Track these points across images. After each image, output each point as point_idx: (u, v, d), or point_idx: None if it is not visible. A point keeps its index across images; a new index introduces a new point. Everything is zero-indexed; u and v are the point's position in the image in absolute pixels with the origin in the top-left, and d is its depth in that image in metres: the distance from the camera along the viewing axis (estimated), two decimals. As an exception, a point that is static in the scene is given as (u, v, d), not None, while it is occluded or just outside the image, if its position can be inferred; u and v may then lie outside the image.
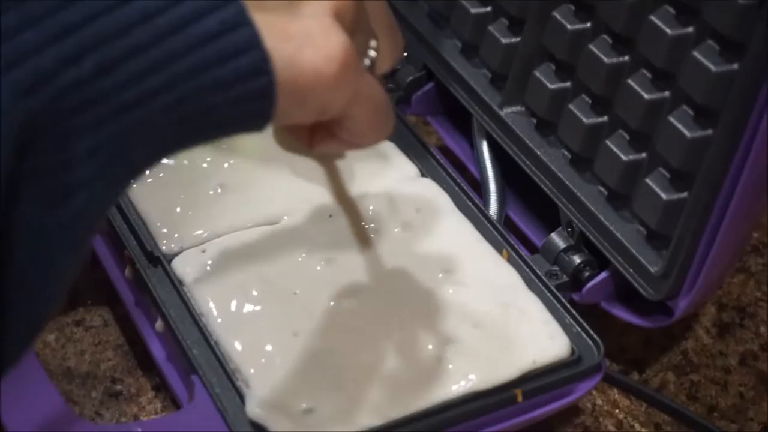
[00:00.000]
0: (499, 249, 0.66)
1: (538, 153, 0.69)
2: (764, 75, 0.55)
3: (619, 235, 0.64)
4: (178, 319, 0.61)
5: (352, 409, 0.56)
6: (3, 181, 0.36)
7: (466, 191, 0.69)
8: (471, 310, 0.61)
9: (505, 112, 0.71)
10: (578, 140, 0.66)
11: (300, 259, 0.64)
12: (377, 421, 0.56)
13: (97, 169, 0.38)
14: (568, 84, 0.68)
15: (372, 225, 0.66)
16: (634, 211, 0.64)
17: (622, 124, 0.64)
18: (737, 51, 0.57)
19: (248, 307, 0.61)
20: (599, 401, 0.66)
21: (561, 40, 0.67)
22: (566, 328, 0.62)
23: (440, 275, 0.63)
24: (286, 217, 0.66)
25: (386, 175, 0.69)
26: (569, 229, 0.67)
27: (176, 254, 0.64)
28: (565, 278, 0.66)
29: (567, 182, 0.67)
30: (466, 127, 0.76)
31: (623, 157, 0.64)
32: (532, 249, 0.69)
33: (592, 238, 0.65)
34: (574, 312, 0.63)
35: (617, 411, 0.66)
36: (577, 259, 0.66)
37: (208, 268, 0.63)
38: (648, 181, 0.62)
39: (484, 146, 0.74)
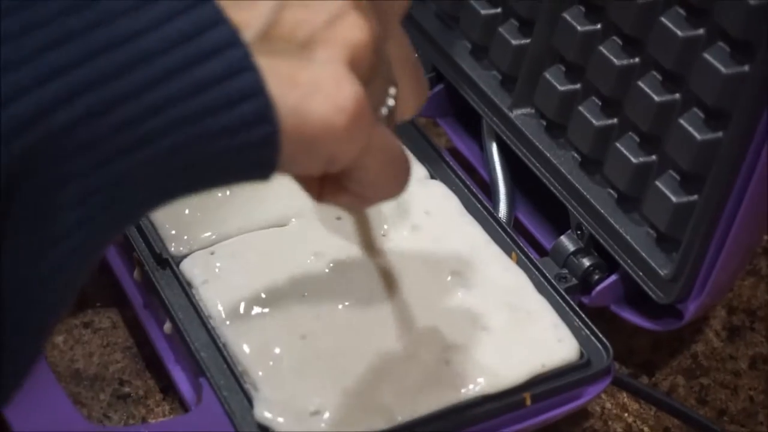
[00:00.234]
0: (508, 252, 0.66)
1: (548, 155, 0.69)
2: (775, 76, 0.55)
3: (628, 237, 0.64)
4: (187, 322, 0.61)
5: (360, 412, 0.56)
6: None
7: (476, 193, 0.69)
8: (480, 313, 0.61)
9: (515, 113, 0.71)
10: (588, 142, 0.66)
11: (309, 261, 0.64)
12: (385, 424, 0.56)
13: (84, 218, 0.36)
14: (578, 86, 0.67)
15: (384, 227, 0.66)
16: (643, 213, 0.64)
17: (632, 126, 0.64)
18: (748, 53, 0.56)
19: (256, 310, 0.61)
20: (608, 405, 0.66)
21: (571, 42, 0.66)
22: (575, 332, 0.61)
23: (449, 278, 0.63)
24: (294, 220, 0.66)
25: (395, 177, 0.69)
26: (579, 232, 0.67)
27: (185, 256, 0.64)
28: (574, 281, 0.66)
29: (576, 185, 0.67)
30: (475, 128, 0.76)
31: (633, 160, 0.63)
32: (542, 252, 0.69)
33: (601, 240, 0.65)
34: (583, 315, 0.62)
35: (626, 414, 0.66)
36: (586, 262, 0.66)
37: (217, 270, 0.63)
38: (658, 183, 0.62)
39: (494, 148, 0.74)
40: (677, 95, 0.61)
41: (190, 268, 0.63)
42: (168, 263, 0.63)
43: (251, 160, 0.39)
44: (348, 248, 0.64)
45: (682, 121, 0.60)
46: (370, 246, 0.61)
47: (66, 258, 0.36)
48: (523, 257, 0.66)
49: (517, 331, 0.61)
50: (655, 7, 0.60)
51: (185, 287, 0.62)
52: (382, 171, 0.44)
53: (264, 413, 0.56)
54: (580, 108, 0.67)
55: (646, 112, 0.62)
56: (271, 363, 0.58)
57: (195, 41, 0.37)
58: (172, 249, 0.64)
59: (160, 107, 0.36)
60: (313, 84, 0.39)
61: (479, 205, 0.69)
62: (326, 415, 0.56)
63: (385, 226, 0.66)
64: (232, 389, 0.58)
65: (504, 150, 0.73)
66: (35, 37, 0.35)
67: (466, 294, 0.62)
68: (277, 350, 0.59)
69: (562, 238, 0.68)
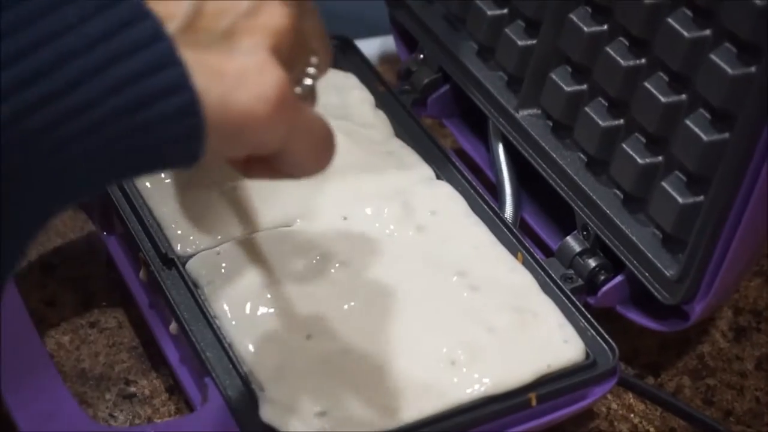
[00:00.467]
0: (514, 252, 0.66)
1: (554, 156, 0.69)
2: (782, 78, 0.55)
3: (634, 238, 0.64)
4: (192, 322, 0.61)
5: (365, 413, 0.56)
6: None
7: (482, 194, 0.69)
8: (485, 313, 0.61)
9: (521, 114, 0.71)
10: (594, 143, 0.66)
11: (314, 261, 0.63)
12: (391, 424, 0.56)
13: (11, 213, 0.37)
14: (584, 86, 0.67)
15: (389, 227, 0.66)
16: (649, 214, 0.64)
17: (638, 127, 0.64)
18: (755, 54, 0.56)
19: (262, 310, 0.61)
20: (614, 405, 0.66)
21: (577, 43, 0.66)
22: (581, 332, 0.61)
23: (455, 278, 0.63)
24: (300, 220, 0.66)
25: (402, 177, 0.69)
26: (585, 233, 0.67)
27: (191, 256, 0.64)
28: (580, 282, 0.66)
29: (583, 185, 0.67)
30: (481, 129, 0.76)
31: (639, 161, 0.63)
32: (548, 252, 0.69)
33: (607, 241, 0.65)
34: (589, 316, 0.62)
35: (632, 415, 0.66)
36: (592, 263, 0.66)
37: (223, 270, 0.63)
38: (664, 184, 0.62)
39: (500, 149, 0.74)
40: (684, 96, 0.61)
41: (195, 268, 0.63)
42: (174, 263, 0.63)
43: (178, 152, 0.40)
44: (354, 249, 0.64)
45: (688, 122, 0.60)
46: (247, 219, 0.63)
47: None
48: (529, 258, 0.66)
49: (522, 331, 0.61)
50: (662, 8, 0.60)
51: (191, 287, 0.62)
52: (308, 152, 0.46)
53: (269, 413, 0.56)
54: (587, 109, 0.67)
55: (652, 113, 0.62)
56: (276, 363, 0.58)
57: (120, 37, 0.38)
58: (178, 249, 0.64)
59: (86, 106, 0.38)
60: (237, 74, 0.41)
61: (485, 206, 0.69)
62: (331, 415, 0.56)
63: (391, 226, 0.66)
64: (238, 389, 0.58)
65: (510, 150, 0.73)
66: None
67: (472, 294, 0.62)
68: (283, 350, 0.59)
69: (568, 238, 0.67)
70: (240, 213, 0.66)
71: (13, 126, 0.36)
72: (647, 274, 0.63)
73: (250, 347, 0.59)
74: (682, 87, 0.61)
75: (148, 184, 0.67)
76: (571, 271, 0.66)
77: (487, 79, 0.74)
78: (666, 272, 0.62)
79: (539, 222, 0.72)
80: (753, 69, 0.57)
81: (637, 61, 0.63)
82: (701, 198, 0.60)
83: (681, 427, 0.65)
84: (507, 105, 0.72)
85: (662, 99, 0.61)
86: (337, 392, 0.57)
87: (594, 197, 0.66)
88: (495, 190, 0.73)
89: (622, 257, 0.64)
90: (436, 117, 0.79)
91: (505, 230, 0.67)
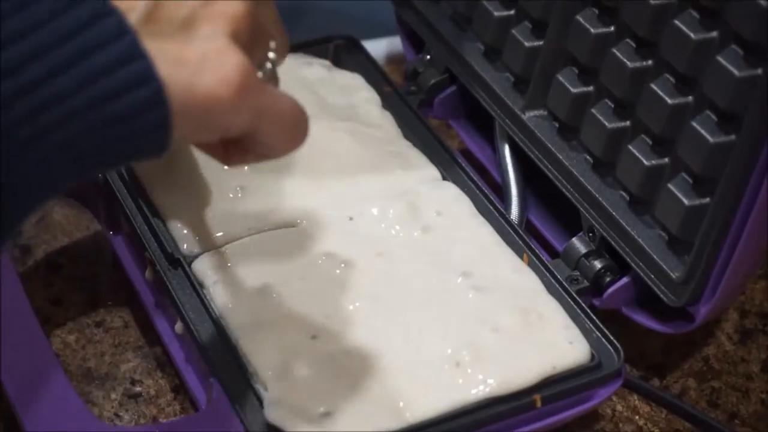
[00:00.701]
0: (519, 253, 0.66)
1: (560, 157, 0.69)
2: (788, 80, 0.55)
3: (640, 240, 0.64)
4: (198, 321, 0.61)
5: (370, 413, 0.56)
6: None
7: (488, 195, 0.69)
8: (490, 314, 0.61)
9: (528, 115, 0.71)
10: (600, 145, 0.66)
11: (320, 261, 0.64)
12: (395, 425, 0.56)
13: None
14: (590, 88, 0.67)
15: (395, 227, 0.66)
16: (655, 216, 0.64)
17: (644, 128, 0.64)
18: (761, 56, 0.56)
19: (267, 310, 0.61)
20: (619, 407, 0.66)
21: (584, 44, 0.66)
22: (586, 334, 0.61)
23: (460, 279, 0.63)
24: (306, 220, 0.66)
25: (408, 177, 0.69)
26: (590, 234, 0.67)
27: (196, 256, 0.64)
28: (585, 283, 0.66)
29: (589, 187, 0.67)
30: (488, 130, 0.76)
31: (645, 162, 0.63)
32: (553, 254, 0.69)
33: (613, 243, 0.65)
34: (594, 317, 0.62)
35: (637, 417, 0.65)
36: (598, 265, 0.66)
37: (228, 270, 0.63)
38: (670, 186, 0.62)
39: (506, 150, 0.74)
40: (690, 98, 0.61)
41: (201, 268, 0.63)
42: (180, 263, 0.63)
43: (146, 143, 0.42)
44: (358, 249, 0.64)
45: (694, 124, 0.60)
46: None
47: None
48: (535, 259, 0.66)
49: (527, 332, 0.61)
50: (669, 10, 0.60)
51: (196, 287, 0.62)
52: (279, 130, 0.47)
53: (274, 414, 0.56)
54: (593, 110, 0.66)
55: (658, 114, 0.62)
56: (281, 363, 0.58)
57: (87, 33, 0.39)
58: (184, 249, 0.64)
59: (55, 101, 0.39)
60: (199, 60, 0.42)
61: (491, 207, 0.69)
62: (336, 416, 0.56)
63: (397, 227, 0.66)
64: (243, 389, 0.58)
65: (516, 152, 0.73)
66: None
67: (477, 295, 0.62)
68: (288, 351, 0.59)
69: (574, 240, 0.67)
70: (246, 213, 0.66)
71: None
72: (653, 276, 0.63)
73: (255, 347, 0.59)
74: (688, 89, 0.61)
75: (154, 183, 0.67)
76: (577, 273, 0.66)
77: (493, 80, 0.73)
78: (672, 274, 0.62)
79: (545, 223, 0.72)
80: (759, 71, 0.56)
81: (644, 63, 0.63)
82: (707, 200, 0.60)
83: (686, 430, 0.65)
84: (513, 106, 0.72)
85: (668, 100, 0.61)
86: (342, 393, 0.57)
87: (600, 199, 0.66)
88: (501, 191, 0.73)
89: (628, 259, 0.64)
90: (443, 118, 0.79)
91: (511, 231, 0.67)
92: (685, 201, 0.61)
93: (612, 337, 0.61)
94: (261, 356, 0.59)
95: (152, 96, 0.40)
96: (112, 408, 0.63)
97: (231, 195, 0.66)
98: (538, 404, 0.58)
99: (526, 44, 0.71)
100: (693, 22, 0.60)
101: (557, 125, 0.70)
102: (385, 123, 0.73)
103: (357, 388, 0.57)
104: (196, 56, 0.42)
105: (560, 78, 0.69)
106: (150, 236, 0.65)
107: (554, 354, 0.60)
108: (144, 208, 0.66)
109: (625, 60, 0.64)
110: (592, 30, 0.66)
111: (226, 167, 0.51)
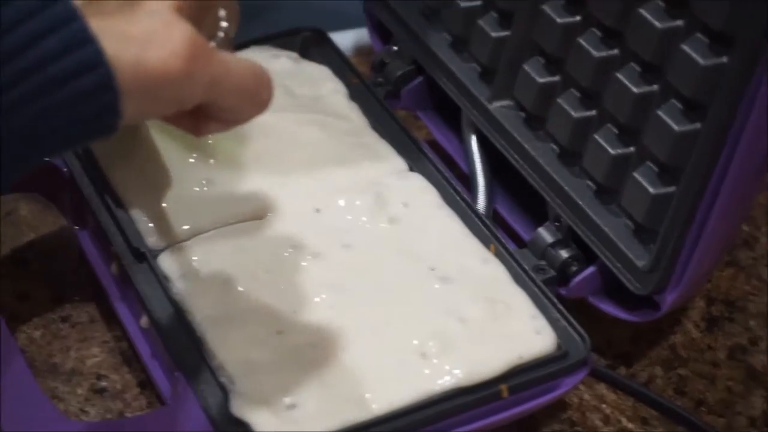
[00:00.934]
0: (486, 243, 0.66)
1: (527, 147, 0.69)
2: (753, 68, 0.55)
3: (606, 229, 0.64)
4: (163, 315, 0.61)
5: (336, 405, 0.56)
6: None
7: (455, 186, 0.69)
8: (457, 304, 0.61)
9: (494, 106, 0.71)
10: (567, 134, 0.66)
11: (286, 254, 0.63)
12: (361, 416, 0.56)
13: None
14: (557, 78, 0.67)
15: (362, 219, 0.65)
16: (621, 205, 0.64)
17: (610, 118, 0.64)
18: (726, 44, 0.56)
19: (233, 304, 0.61)
20: (586, 396, 0.66)
21: (550, 34, 0.66)
22: (553, 323, 0.61)
23: (427, 270, 0.63)
24: (272, 213, 0.66)
25: (374, 169, 0.69)
26: (557, 224, 0.67)
27: (162, 250, 0.64)
28: (552, 273, 0.66)
29: (555, 176, 0.67)
30: (455, 121, 0.76)
31: (611, 151, 0.63)
32: (521, 243, 0.69)
33: (579, 232, 0.65)
34: (561, 307, 0.62)
35: (604, 406, 0.66)
36: (564, 254, 0.66)
37: (194, 264, 0.63)
38: (636, 175, 0.62)
39: (473, 140, 0.74)
40: (655, 87, 0.61)
41: (167, 261, 0.63)
42: (145, 257, 0.63)
43: (96, 124, 0.42)
44: (325, 241, 0.64)
45: (660, 113, 0.60)
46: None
47: None
48: (502, 249, 0.66)
49: (494, 322, 0.61)
50: (634, -1, 0.60)
51: (162, 281, 0.62)
52: (239, 95, 0.48)
53: (240, 407, 0.56)
54: (559, 100, 0.67)
55: (624, 103, 0.62)
56: (247, 356, 0.58)
57: (36, 19, 0.40)
58: (150, 243, 0.64)
59: (9, 84, 0.39)
60: (146, 35, 0.43)
61: (458, 197, 0.68)
62: (302, 408, 0.56)
63: (364, 218, 0.66)
64: (208, 383, 0.57)
65: (483, 142, 0.73)
66: None
67: (444, 286, 0.62)
68: (254, 344, 0.58)
69: (541, 229, 0.67)
70: (212, 206, 0.65)
71: None
72: (619, 265, 0.63)
73: (221, 341, 0.59)
74: (653, 77, 0.61)
75: (119, 177, 0.66)
76: (544, 262, 0.66)
77: (460, 71, 0.73)
78: (637, 263, 0.62)
79: (512, 213, 0.72)
80: (724, 59, 0.57)
81: (610, 52, 0.63)
82: (672, 188, 0.60)
83: (652, 417, 0.65)
84: (480, 97, 0.72)
85: (634, 90, 0.61)
86: (308, 385, 0.57)
87: (566, 188, 0.66)
88: (468, 182, 0.73)
89: (594, 248, 0.64)
90: (410, 109, 0.79)
91: (478, 222, 0.67)
92: (651, 189, 0.61)
93: (579, 327, 0.61)
94: (226, 349, 0.58)
95: (102, 80, 0.41)
96: (78, 403, 0.63)
97: (197, 188, 0.66)
98: (505, 394, 0.58)
99: (493, 34, 0.71)
100: (658, 11, 0.60)
101: (524, 115, 0.70)
102: (352, 114, 0.73)
103: (323, 379, 0.57)
104: (142, 32, 0.43)
105: (527, 68, 0.69)
106: (115, 230, 0.64)
107: (521, 344, 0.60)
108: (109, 202, 0.65)
109: (591, 49, 0.64)
110: (558, 20, 0.66)
111: (196, 137, 0.51)
